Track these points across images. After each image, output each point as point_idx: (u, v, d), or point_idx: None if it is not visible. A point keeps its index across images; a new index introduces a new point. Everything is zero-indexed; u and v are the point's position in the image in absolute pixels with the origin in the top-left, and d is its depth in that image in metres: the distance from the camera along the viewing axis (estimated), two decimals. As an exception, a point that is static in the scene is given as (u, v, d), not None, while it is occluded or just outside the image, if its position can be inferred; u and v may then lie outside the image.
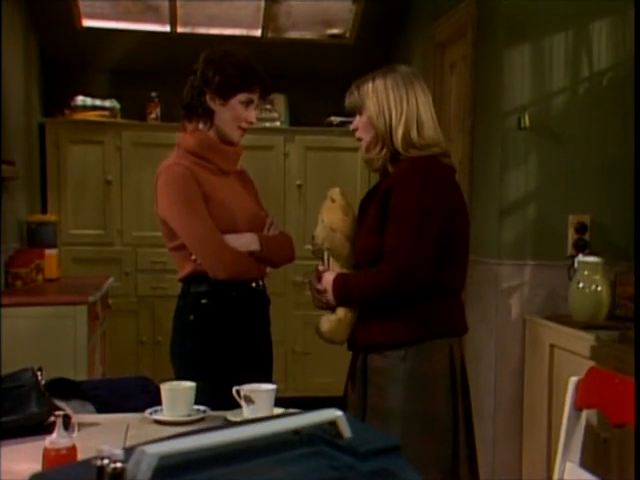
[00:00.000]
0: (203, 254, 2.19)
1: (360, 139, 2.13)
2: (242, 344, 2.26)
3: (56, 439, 1.29)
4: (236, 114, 2.24)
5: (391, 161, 2.08)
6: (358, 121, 2.13)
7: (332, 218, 2.12)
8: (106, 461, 0.64)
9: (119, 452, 0.64)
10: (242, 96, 2.23)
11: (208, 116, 2.24)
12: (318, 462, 0.69)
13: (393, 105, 2.05)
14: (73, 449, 1.29)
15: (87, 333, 3.45)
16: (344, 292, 2.06)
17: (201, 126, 2.27)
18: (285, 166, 4.97)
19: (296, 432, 0.73)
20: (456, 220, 2.05)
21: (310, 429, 0.73)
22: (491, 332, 3.37)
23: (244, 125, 2.27)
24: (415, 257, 1.95)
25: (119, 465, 0.63)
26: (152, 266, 4.75)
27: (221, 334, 2.24)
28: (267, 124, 5.02)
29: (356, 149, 5.04)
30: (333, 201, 2.15)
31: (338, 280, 2.08)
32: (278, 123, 5.06)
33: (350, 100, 2.14)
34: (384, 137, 2.06)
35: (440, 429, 1.98)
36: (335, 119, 5.04)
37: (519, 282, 3.35)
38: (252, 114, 2.27)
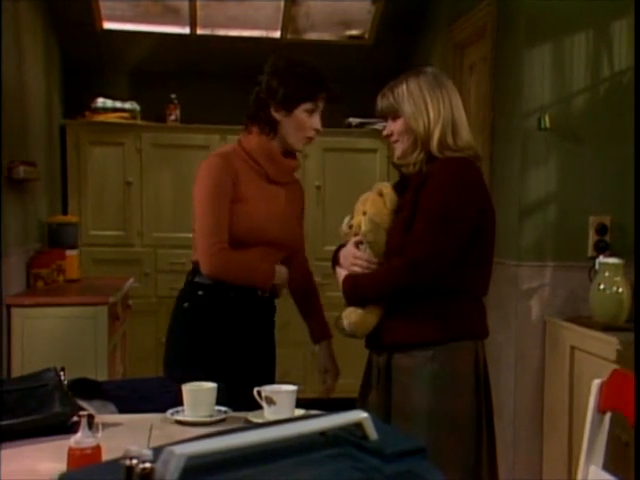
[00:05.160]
0: (199, 245, 2.24)
1: (395, 142, 2.10)
2: (232, 343, 2.27)
3: (81, 439, 1.30)
4: (300, 123, 2.25)
5: (426, 162, 2.06)
6: (393, 126, 2.09)
7: (377, 211, 2.07)
8: (135, 461, 0.64)
9: (148, 452, 0.64)
10: (306, 105, 2.24)
11: (272, 126, 2.27)
12: (344, 464, 0.69)
13: (430, 107, 2.03)
14: (98, 449, 1.29)
15: (108, 333, 3.48)
16: (355, 291, 2.06)
17: (265, 133, 2.28)
18: (304, 167, 4.96)
19: (322, 433, 0.73)
20: (484, 224, 2.04)
21: (336, 430, 0.74)
22: (511, 334, 3.36)
23: (310, 134, 2.28)
24: (429, 251, 1.95)
25: (148, 465, 0.63)
26: (171, 267, 4.77)
27: (210, 328, 2.27)
28: (286, 125, 5.03)
29: (375, 150, 5.09)
30: (381, 195, 2.10)
31: (349, 280, 2.07)
32: (297, 124, 5.07)
33: (384, 104, 2.10)
34: (423, 140, 2.03)
35: (464, 430, 1.99)
36: (354, 120, 5.03)
37: (539, 283, 3.33)
38: (317, 121, 2.28)
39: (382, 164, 5.00)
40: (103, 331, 3.46)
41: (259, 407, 1.78)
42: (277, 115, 2.25)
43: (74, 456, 1.28)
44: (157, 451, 0.65)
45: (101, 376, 3.27)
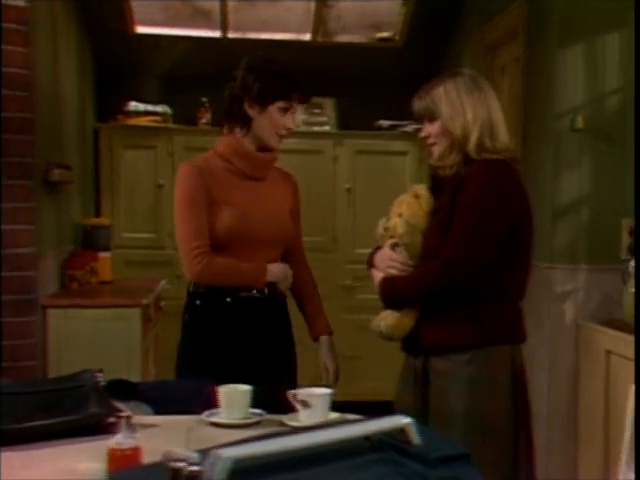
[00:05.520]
0: (180, 253, 2.28)
1: (432, 144, 2.09)
2: (237, 349, 2.27)
3: (121, 440, 1.31)
4: (274, 121, 2.26)
5: (463, 164, 2.05)
6: (430, 128, 2.08)
7: (413, 213, 2.07)
8: (182, 464, 0.65)
9: (195, 455, 0.65)
10: (280, 103, 2.25)
11: (245, 122, 2.27)
12: (388, 469, 0.69)
13: (468, 109, 2.02)
14: (138, 450, 1.30)
15: (141, 335, 3.51)
16: (392, 293, 2.06)
17: (237, 131, 2.29)
18: (334, 170, 4.98)
19: (365, 438, 0.73)
20: (520, 225, 2.03)
21: (379, 435, 0.74)
22: (544, 337, 3.33)
23: (282, 132, 2.29)
24: (465, 253, 1.95)
25: (196, 468, 0.64)
26: (202, 269, 4.79)
27: (212, 337, 2.28)
28: (316, 128, 5.04)
29: (405, 153, 5.07)
30: (417, 197, 2.10)
31: (385, 283, 2.07)
32: (327, 127, 5.07)
33: (420, 105, 2.10)
34: (460, 143, 2.03)
35: (501, 434, 1.98)
36: (384, 123, 5.02)
37: (572, 287, 3.31)
38: (290, 120, 2.28)
39: (412, 166, 4.98)
40: (136, 333, 3.49)
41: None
42: (251, 111, 2.25)
43: (114, 457, 1.29)
44: (203, 454, 0.65)
45: (134, 378, 3.29)
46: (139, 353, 3.49)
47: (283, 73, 2.26)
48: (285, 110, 2.26)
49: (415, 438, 0.73)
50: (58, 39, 3.91)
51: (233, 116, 2.29)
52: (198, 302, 2.31)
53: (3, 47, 3.12)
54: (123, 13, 4.65)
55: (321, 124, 5.06)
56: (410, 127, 4.86)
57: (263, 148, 2.31)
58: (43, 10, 3.59)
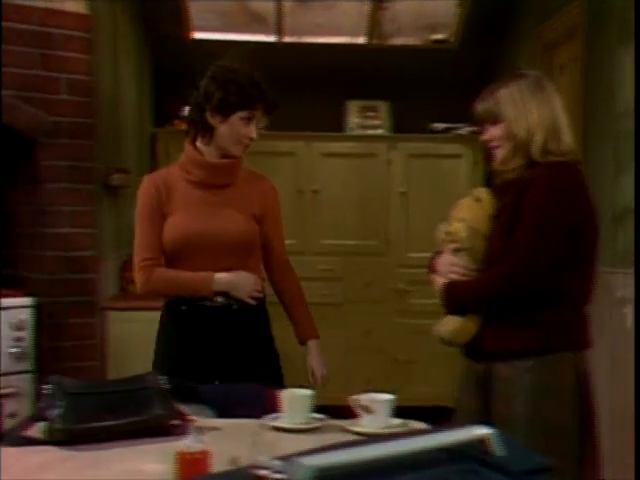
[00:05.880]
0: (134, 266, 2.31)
1: (496, 147, 2.06)
2: (198, 357, 2.26)
3: (191, 443, 1.33)
4: (236, 130, 2.23)
5: (527, 167, 2.03)
6: (494, 130, 2.05)
7: (475, 217, 2.04)
8: (266, 471, 0.65)
9: (278, 463, 0.65)
10: (242, 113, 2.22)
11: (207, 131, 2.26)
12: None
13: (532, 111, 1.99)
14: (206, 454, 1.31)
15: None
16: (454, 299, 2.04)
17: (200, 139, 2.28)
18: (388, 173, 4.96)
19: (441, 448, 0.72)
20: (585, 229, 2.01)
21: (459, 446, 0.73)
22: (605, 342, 3.26)
23: (245, 141, 2.26)
24: (527, 258, 1.93)
25: (279, 476, 0.64)
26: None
27: (175, 345, 2.31)
28: (370, 131, 5.03)
29: (460, 155, 5.03)
30: (478, 200, 2.08)
31: (447, 288, 2.05)
32: (381, 130, 5.06)
33: (483, 108, 2.07)
34: (524, 145, 2.00)
35: (565, 441, 1.95)
36: (439, 125, 4.99)
37: (634, 291, 3.22)
38: (253, 130, 2.24)
39: (467, 169, 4.93)
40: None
41: None
42: (212, 121, 2.23)
43: (184, 460, 1.30)
44: (285, 462, 0.66)
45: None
46: (196, 355, 3.52)
47: (245, 82, 2.24)
48: (247, 119, 2.23)
49: (497, 449, 0.72)
50: (118, 45, 3.99)
51: (196, 125, 2.28)
52: (163, 312, 2.35)
53: (67, 54, 3.21)
54: (180, 19, 4.72)
55: (375, 127, 5.05)
56: (465, 130, 4.81)
57: (226, 155, 2.29)
58: (104, 17, 3.66)
